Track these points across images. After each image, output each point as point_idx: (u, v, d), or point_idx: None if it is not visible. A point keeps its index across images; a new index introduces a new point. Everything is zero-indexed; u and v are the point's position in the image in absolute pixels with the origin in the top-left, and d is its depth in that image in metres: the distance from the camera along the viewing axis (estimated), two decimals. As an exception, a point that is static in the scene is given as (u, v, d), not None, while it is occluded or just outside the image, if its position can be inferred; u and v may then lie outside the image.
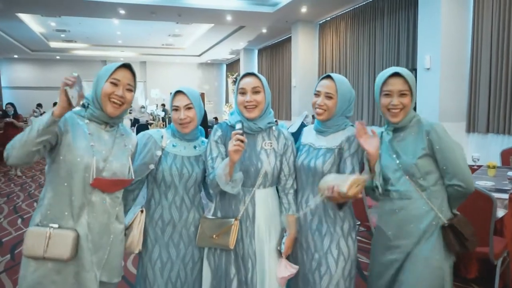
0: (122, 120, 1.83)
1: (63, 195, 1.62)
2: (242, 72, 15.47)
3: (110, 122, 1.75)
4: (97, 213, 1.67)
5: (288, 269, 1.90)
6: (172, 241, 1.96)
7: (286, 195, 1.97)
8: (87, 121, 1.70)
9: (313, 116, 2.11)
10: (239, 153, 1.71)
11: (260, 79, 1.92)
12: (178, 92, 1.97)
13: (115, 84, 1.67)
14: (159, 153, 1.93)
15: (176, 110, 1.95)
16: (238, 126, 1.76)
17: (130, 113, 16.33)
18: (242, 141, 1.70)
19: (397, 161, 1.86)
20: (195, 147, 2.04)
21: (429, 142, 1.80)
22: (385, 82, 1.86)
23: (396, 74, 1.84)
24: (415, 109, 1.93)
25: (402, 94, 1.83)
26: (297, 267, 1.92)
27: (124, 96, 1.69)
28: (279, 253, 1.92)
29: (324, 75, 1.98)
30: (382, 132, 2.01)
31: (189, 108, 1.95)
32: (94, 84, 1.69)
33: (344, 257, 1.88)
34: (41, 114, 11.88)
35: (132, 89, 1.73)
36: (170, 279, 1.94)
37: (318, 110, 1.93)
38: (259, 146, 1.94)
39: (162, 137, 1.98)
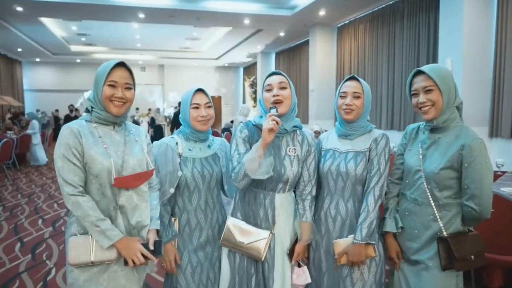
0: (127, 118, 1.85)
1: (96, 203, 1.66)
2: (259, 75, 15.58)
3: (117, 121, 1.76)
4: (128, 213, 1.72)
5: (300, 277, 1.91)
6: (199, 244, 1.97)
7: (303, 201, 1.95)
8: (95, 125, 1.71)
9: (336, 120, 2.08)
10: (273, 133, 1.71)
11: (286, 77, 1.91)
12: (198, 90, 1.99)
13: (113, 86, 1.68)
14: (178, 160, 1.93)
15: (197, 107, 1.96)
16: (273, 110, 1.77)
17: (147, 115, 16.54)
18: (277, 122, 1.71)
19: (421, 163, 1.82)
20: (209, 146, 2.05)
21: (460, 157, 1.71)
22: (411, 83, 1.86)
23: (419, 72, 1.81)
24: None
25: (427, 91, 1.77)
26: (309, 280, 1.94)
27: (124, 96, 1.70)
28: (289, 257, 1.92)
29: (348, 76, 1.97)
30: (418, 127, 1.96)
31: (209, 106, 1.99)
32: (94, 86, 1.70)
33: (375, 262, 1.88)
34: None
35: (130, 87, 1.73)
36: (201, 281, 1.96)
37: (346, 109, 1.91)
38: (283, 151, 1.91)
39: (176, 143, 1.97)
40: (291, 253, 1.91)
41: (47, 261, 3.83)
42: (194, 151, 1.99)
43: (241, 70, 20.74)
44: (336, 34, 10.65)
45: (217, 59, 18.10)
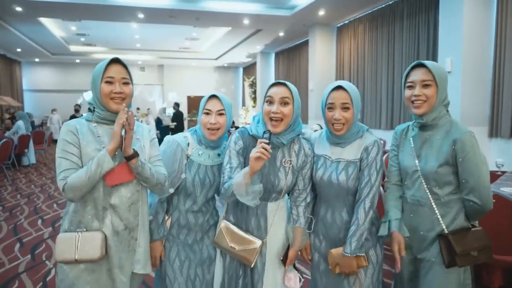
0: None
1: (85, 201, 1.67)
2: (258, 76, 15.56)
3: None
4: (120, 212, 1.71)
5: (290, 281, 1.93)
6: (187, 241, 1.98)
7: (297, 207, 1.93)
8: (95, 124, 1.72)
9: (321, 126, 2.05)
10: (261, 162, 1.61)
11: (290, 89, 1.78)
12: (213, 96, 1.93)
13: (110, 83, 1.67)
14: (185, 162, 1.91)
15: (208, 114, 1.90)
16: (266, 135, 1.66)
17: (146, 115, 16.50)
18: (267, 150, 1.60)
19: (417, 164, 1.81)
20: (219, 154, 2.00)
21: (454, 152, 1.71)
22: (408, 74, 1.82)
23: (419, 65, 1.77)
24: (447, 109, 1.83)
25: (425, 85, 1.74)
26: (298, 286, 1.96)
27: (122, 91, 1.69)
28: (283, 263, 1.93)
29: (333, 86, 1.83)
30: (408, 127, 1.95)
31: (221, 114, 1.91)
32: (92, 86, 1.70)
33: (373, 264, 1.87)
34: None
35: (128, 81, 1.72)
36: (189, 276, 1.96)
37: (336, 126, 1.82)
38: (278, 162, 1.87)
39: (188, 144, 1.94)
40: (284, 259, 1.92)
41: (47, 262, 3.82)
42: (202, 156, 1.96)
43: (241, 70, 20.73)
44: (335, 34, 10.65)
45: (216, 59, 18.08)
